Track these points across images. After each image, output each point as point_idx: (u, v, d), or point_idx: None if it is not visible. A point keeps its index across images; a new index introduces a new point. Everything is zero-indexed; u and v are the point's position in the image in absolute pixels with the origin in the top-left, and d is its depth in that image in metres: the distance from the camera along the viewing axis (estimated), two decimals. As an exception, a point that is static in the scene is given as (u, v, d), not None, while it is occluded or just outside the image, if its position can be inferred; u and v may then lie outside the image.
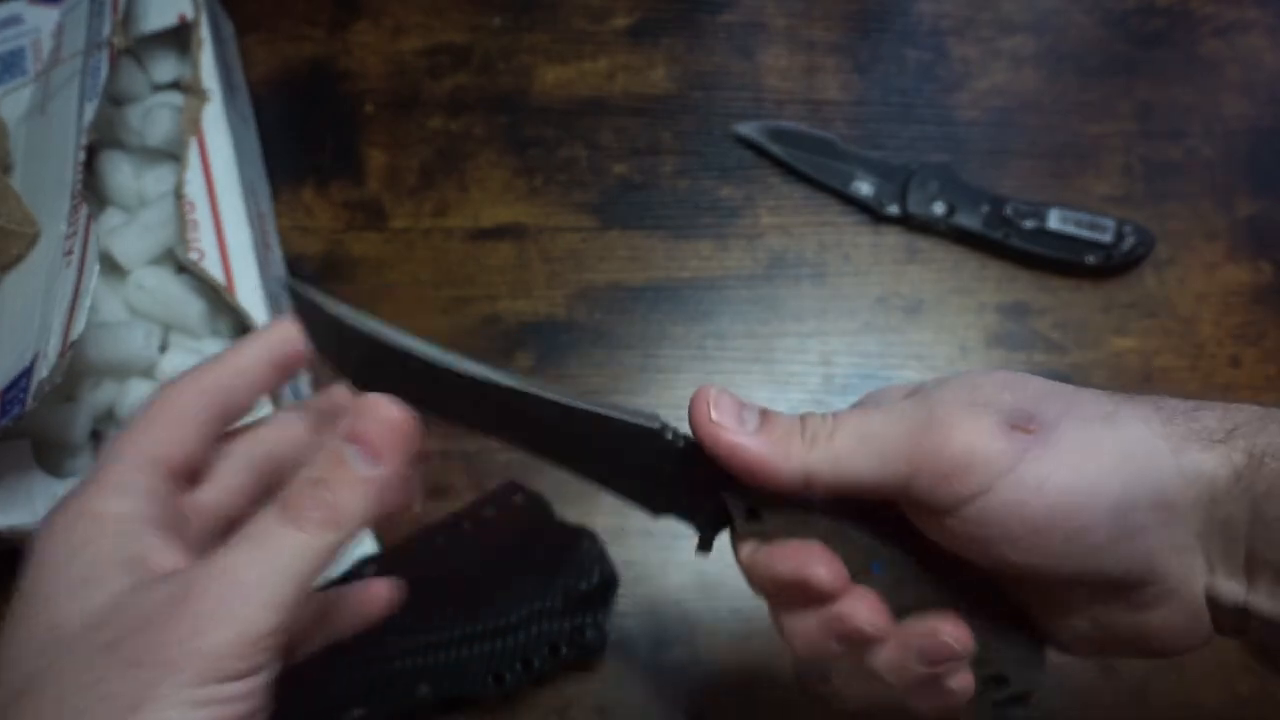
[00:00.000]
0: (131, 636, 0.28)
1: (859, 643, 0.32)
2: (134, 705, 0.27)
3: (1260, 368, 0.58)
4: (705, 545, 0.35)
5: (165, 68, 0.60)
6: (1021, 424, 0.29)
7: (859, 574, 0.32)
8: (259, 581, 0.28)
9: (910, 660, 0.31)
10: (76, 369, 0.52)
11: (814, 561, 0.32)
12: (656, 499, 0.34)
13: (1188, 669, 0.53)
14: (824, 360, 0.59)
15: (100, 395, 0.54)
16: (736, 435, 0.31)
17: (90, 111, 0.52)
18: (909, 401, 0.31)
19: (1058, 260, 0.60)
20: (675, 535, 0.56)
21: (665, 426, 0.32)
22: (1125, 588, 0.30)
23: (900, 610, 0.32)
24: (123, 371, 0.54)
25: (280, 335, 0.34)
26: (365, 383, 0.32)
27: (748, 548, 0.34)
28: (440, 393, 0.32)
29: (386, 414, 0.30)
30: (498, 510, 0.54)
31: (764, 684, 0.53)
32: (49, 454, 0.53)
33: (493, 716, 0.52)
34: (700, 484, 0.33)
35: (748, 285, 0.61)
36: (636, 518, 0.56)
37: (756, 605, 0.56)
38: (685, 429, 0.32)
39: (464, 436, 0.58)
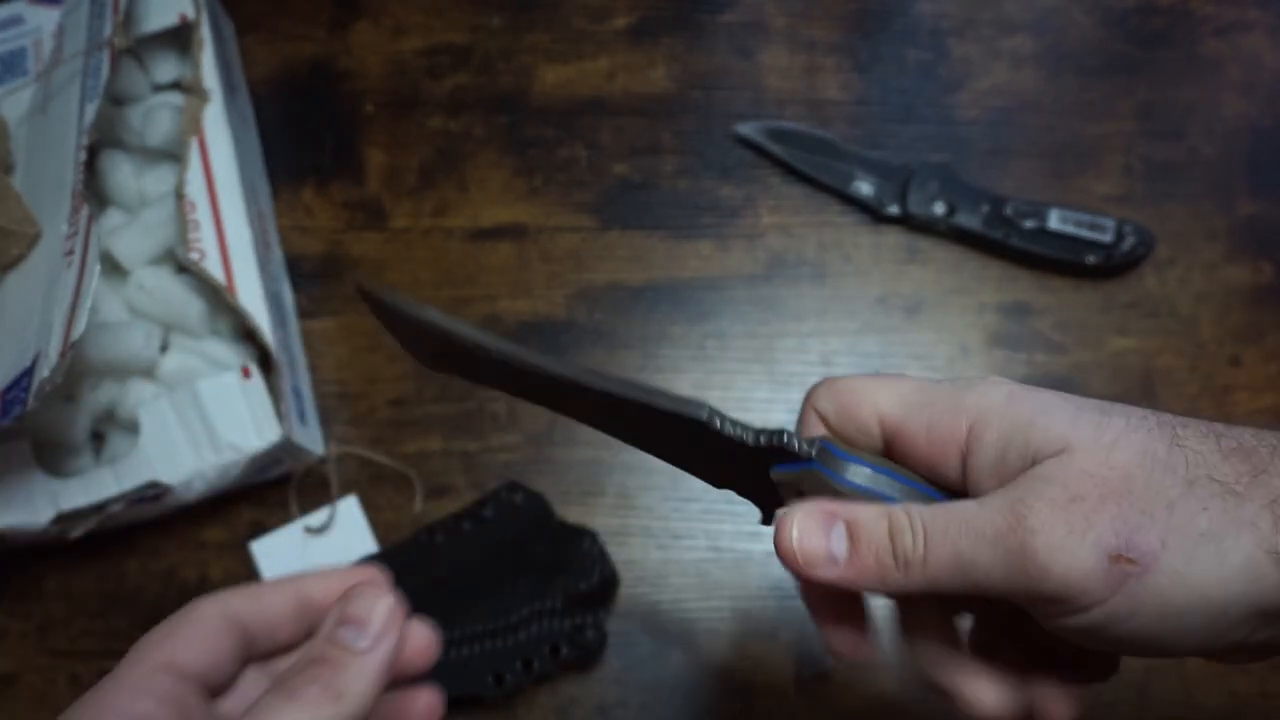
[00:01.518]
0: None
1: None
2: None
3: (1260, 368, 0.58)
4: (768, 520, 0.35)
5: (166, 68, 0.60)
6: (1124, 556, 0.28)
7: None
8: None
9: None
10: (77, 369, 0.52)
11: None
12: (717, 476, 0.35)
13: (1188, 669, 0.53)
14: (824, 360, 0.59)
15: (100, 395, 0.54)
16: (828, 572, 0.31)
17: (91, 112, 0.52)
18: (1002, 514, 0.29)
19: (1058, 260, 0.60)
20: (675, 535, 0.56)
21: (713, 414, 0.32)
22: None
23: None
24: (123, 371, 0.54)
25: (313, 587, 0.35)
26: (440, 366, 0.34)
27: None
28: (505, 377, 0.33)
29: (375, 598, 0.32)
30: (498, 510, 0.54)
31: (764, 684, 0.53)
32: (49, 454, 0.53)
33: (493, 716, 0.52)
34: (752, 469, 0.33)
35: (748, 285, 0.61)
36: (637, 517, 0.56)
37: (756, 605, 0.56)
38: (733, 414, 0.33)
39: (464, 436, 0.58)
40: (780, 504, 0.34)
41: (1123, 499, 0.28)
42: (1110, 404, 0.30)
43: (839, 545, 0.31)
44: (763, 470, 0.33)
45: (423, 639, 0.36)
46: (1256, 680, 0.53)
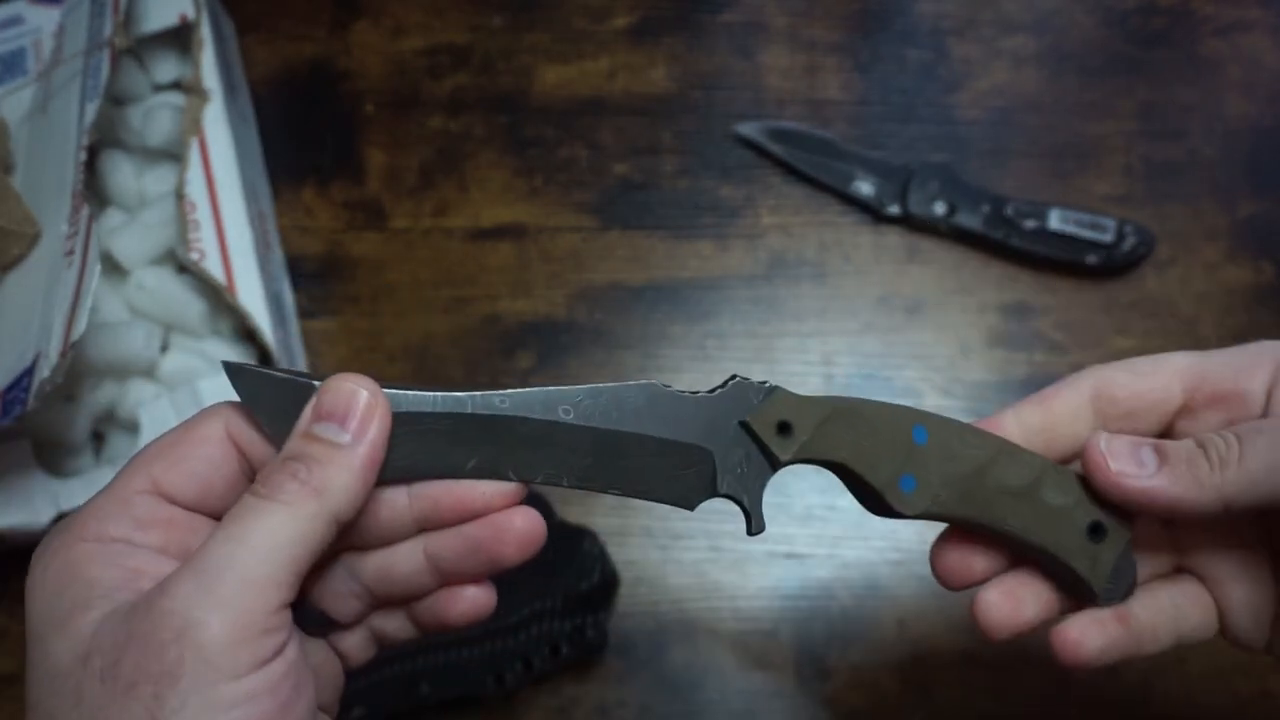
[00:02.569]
0: (121, 658, 0.26)
1: None
2: None
3: (1261, 368, 0.58)
4: (755, 526, 0.34)
5: (166, 68, 0.60)
6: None
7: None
8: (237, 561, 0.26)
9: None
10: (77, 369, 0.52)
11: None
12: (686, 487, 0.33)
13: (1188, 669, 0.53)
14: (825, 360, 0.59)
15: (100, 395, 0.54)
16: (1145, 481, 0.32)
17: (91, 112, 0.52)
18: None
19: (1059, 260, 0.60)
20: (675, 535, 0.56)
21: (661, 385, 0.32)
22: None
23: None
24: (123, 371, 0.54)
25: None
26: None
27: None
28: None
29: (350, 385, 0.29)
30: (498, 510, 0.54)
31: (764, 684, 0.53)
32: (49, 454, 0.53)
33: (493, 716, 0.52)
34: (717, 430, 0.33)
35: (748, 285, 0.61)
36: (636, 517, 0.56)
37: (756, 605, 0.56)
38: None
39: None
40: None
41: None
42: None
43: (1148, 459, 0.32)
44: (727, 429, 0.33)
45: (523, 523, 0.31)
46: (1257, 680, 0.53)
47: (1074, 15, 0.67)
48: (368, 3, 0.68)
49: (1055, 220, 0.60)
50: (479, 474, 0.31)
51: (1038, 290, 0.60)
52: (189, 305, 0.55)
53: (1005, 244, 0.60)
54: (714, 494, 0.33)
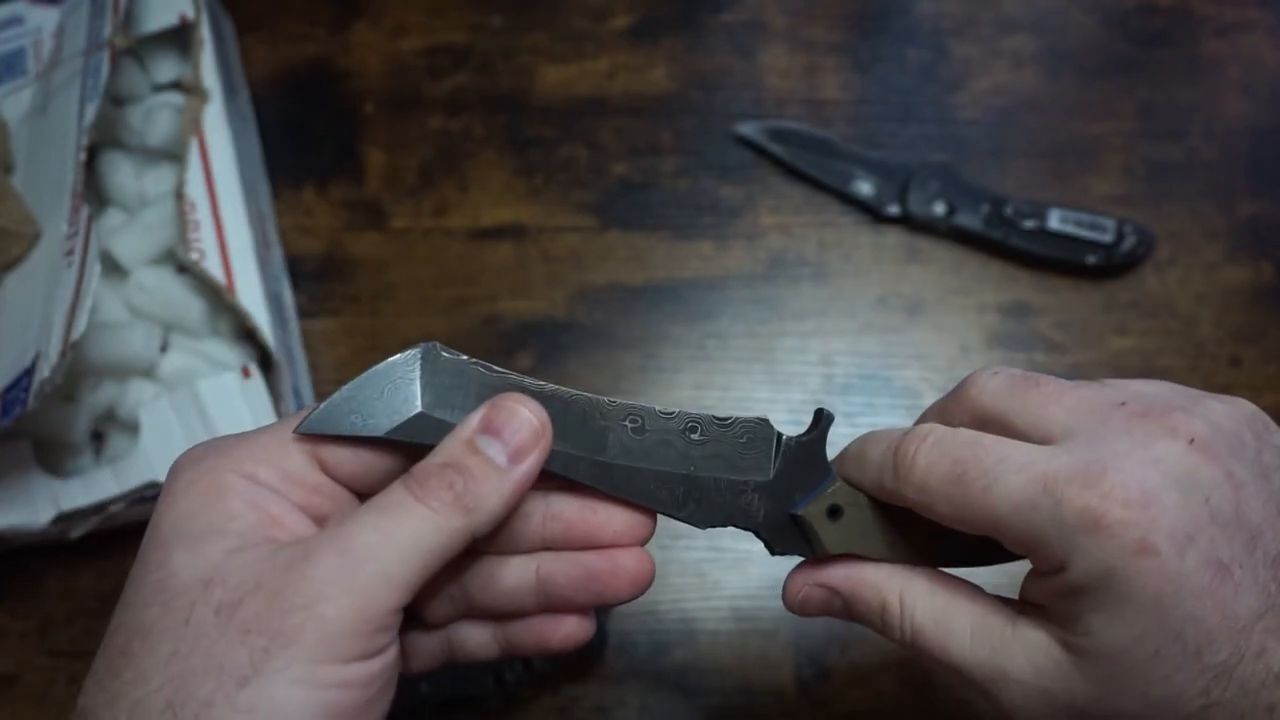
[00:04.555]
0: (245, 600, 0.26)
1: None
2: (243, 678, 0.25)
3: (1260, 368, 0.58)
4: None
5: (166, 68, 0.60)
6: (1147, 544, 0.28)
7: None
8: (380, 553, 0.27)
9: None
10: (77, 369, 0.52)
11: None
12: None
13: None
14: (825, 360, 0.59)
15: (100, 395, 0.54)
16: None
17: (91, 112, 0.52)
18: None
19: (1058, 260, 0.60)
20: (675, 535, 0.56)
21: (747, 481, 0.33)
22: None
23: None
24: (123, 371, 0.54)
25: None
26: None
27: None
28: None
29: (525, 412, 0.29)
30: (498, 510, 0.54)
31: (764, 684, 0.53)
32: (49, 454, 0.53)
33: (493, 716, 0.52)
34: (767, 500, 0.34)
35: (748, 285, 0.61)
36: (637, 518, 0.56)
37: (756, 605, 0.56)
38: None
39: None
40: (800, 538, 0.34)
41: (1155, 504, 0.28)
42: None
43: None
44: (778, 502, 0.33)
45: (638, 563, 0.31)
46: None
47: (1074, 15, 0.67)
48: (368, 3, 0.68)
49: (1055, 220, 0.60)
50: (594, 480, 0.31)
51: (1037, 290, 0.60)
52: (189, 305, 0.55)
53: (1005, 244, 0.60)
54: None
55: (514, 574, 0.32)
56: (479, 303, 0.61)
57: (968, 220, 0.60)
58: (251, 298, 0.54)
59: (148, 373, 0.54)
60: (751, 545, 0.56)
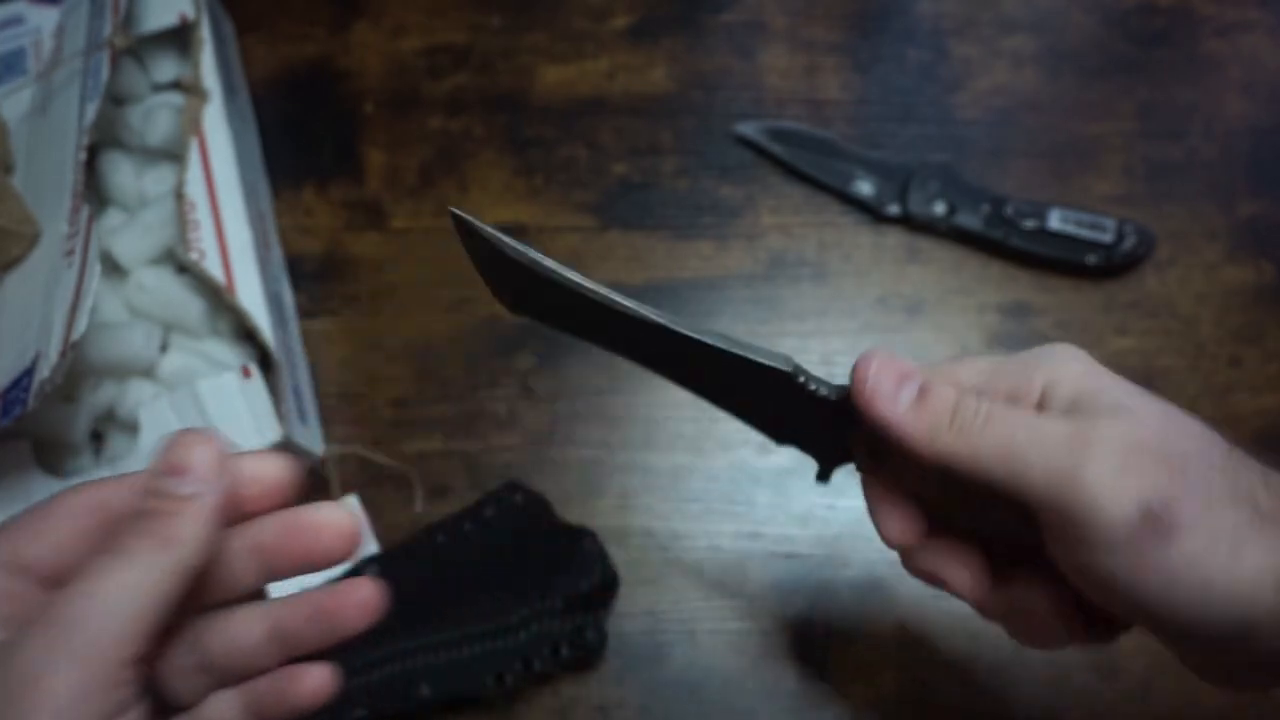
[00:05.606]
0: None
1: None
2: None
3: (1260, 368, 0.58)
4: (825, 476, 0.37)
5: (165, 68, 0.60)
6: (1159, 515, 0.29)
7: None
8: (93, 610, 0.27)
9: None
10: (77, 369, 0.52)
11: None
12: (782, 431, 0.36)
13: (1189, 669, 0.52)
14: (825, 360, 0.59)
15: (100, 395, 0.54)
16: (889, 408, 0.33)
17: (91, 112, 0.52)
18: (1066, 429, 0.31)
19: (1058, 260, 0.60)
20: (675, 535, 0.56)
21: (798, 370, 0.34)
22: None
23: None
24: (123, 371, 0.54)
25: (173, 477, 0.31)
26: (520, 308, 0.35)
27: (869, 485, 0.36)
28: (589, 322, 0.34)
29: (195, 442, 0.30)
30: (498, 510, 0.54)
31: (765, 684, 0.53)
32: (49, 454, 0.53)
33: (493, 716, 0.52)
34: (828, 424, 0.35)
35: (748, 285, 0.61)
36: (637, 518, 0.56)
37: (756, 605, 0.56)
38: (816, 372, 0.34)
39: (464, 437, 0.58)
40: (846, 460, 0.36)
41: (1175, 472, 0.30)
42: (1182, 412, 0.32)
43: (907, 393, 0.33)
44: (837, 425, 0.35)
45: (314, 680, 0.32)
46: (1257, 680, 0.52)
47: (1073, 15, 0.67)
48: (368, 3, 0.68)
49: (1055, 220, 0.60)
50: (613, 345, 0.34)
51: (1037, 290, 0.60)
52: (188, 305, 0.55)
53: (1005, 244, 0.60)
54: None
55: (247, 626, 0.32)
56: (479, 303, 0.61)
57: (968, 220, 0.60)
58: (251, 298, 0.54)
59: (148, 373, 0.54)
60: (751, 545, 0.56)
